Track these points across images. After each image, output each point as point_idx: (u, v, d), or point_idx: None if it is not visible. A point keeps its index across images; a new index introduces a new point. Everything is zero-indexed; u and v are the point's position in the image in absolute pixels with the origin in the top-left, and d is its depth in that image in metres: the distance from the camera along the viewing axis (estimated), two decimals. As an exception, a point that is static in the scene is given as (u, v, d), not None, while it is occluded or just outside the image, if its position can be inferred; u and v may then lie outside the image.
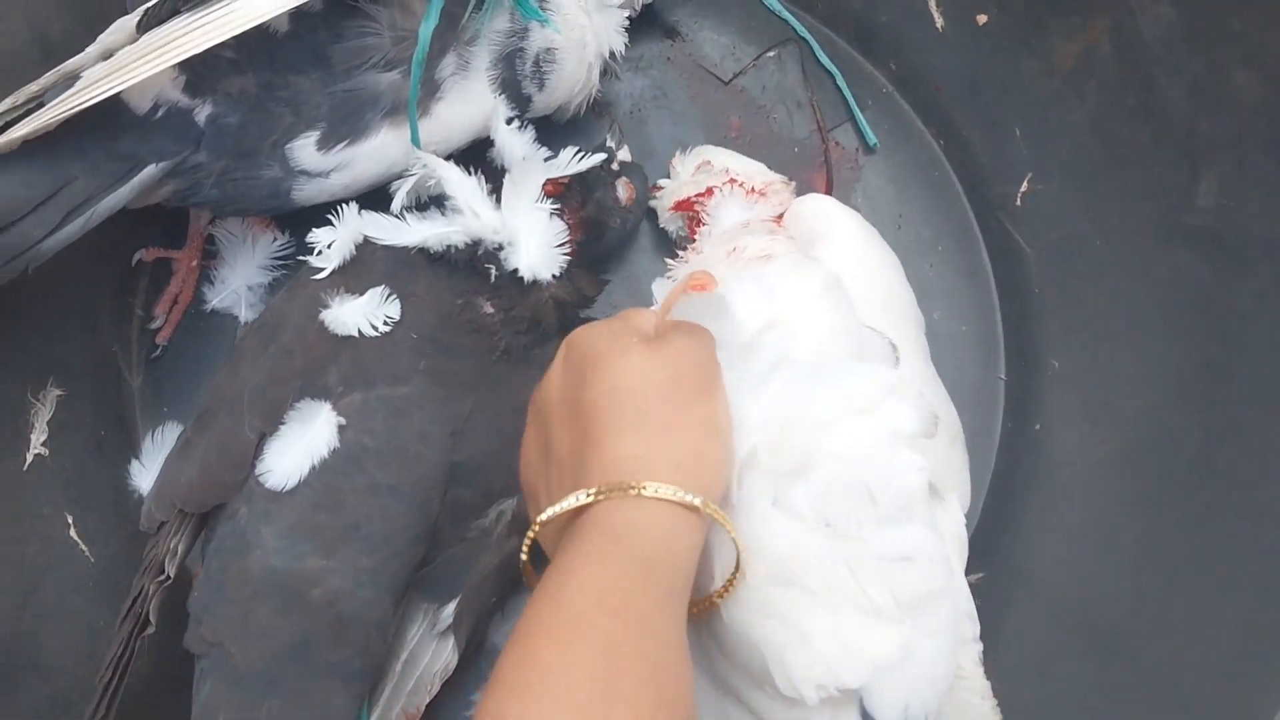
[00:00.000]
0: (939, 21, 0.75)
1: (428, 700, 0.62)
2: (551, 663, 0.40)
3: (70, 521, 0.66)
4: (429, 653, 0.62)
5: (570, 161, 0.67)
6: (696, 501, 0.46)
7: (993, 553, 0.70)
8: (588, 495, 0.46)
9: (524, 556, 0.49)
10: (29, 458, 0.65)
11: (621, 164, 0.73)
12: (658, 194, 0.74)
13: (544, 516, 0.47)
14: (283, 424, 0.59)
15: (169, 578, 0.58)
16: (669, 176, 0.74)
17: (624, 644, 0.41)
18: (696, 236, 0.70)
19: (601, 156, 0.69)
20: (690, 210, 0.71)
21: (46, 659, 0.61)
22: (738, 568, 0.49)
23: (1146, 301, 0.66)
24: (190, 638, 0.57)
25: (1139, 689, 0.59)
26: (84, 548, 0.66)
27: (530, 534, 0.49)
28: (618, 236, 0.72)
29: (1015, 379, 0.75)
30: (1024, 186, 0.73)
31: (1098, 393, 0.69)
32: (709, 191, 0.70)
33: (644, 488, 0.45)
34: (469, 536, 0.62)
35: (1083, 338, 0.71)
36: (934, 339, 0.74)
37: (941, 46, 0.76)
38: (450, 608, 0.61)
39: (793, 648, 0.51)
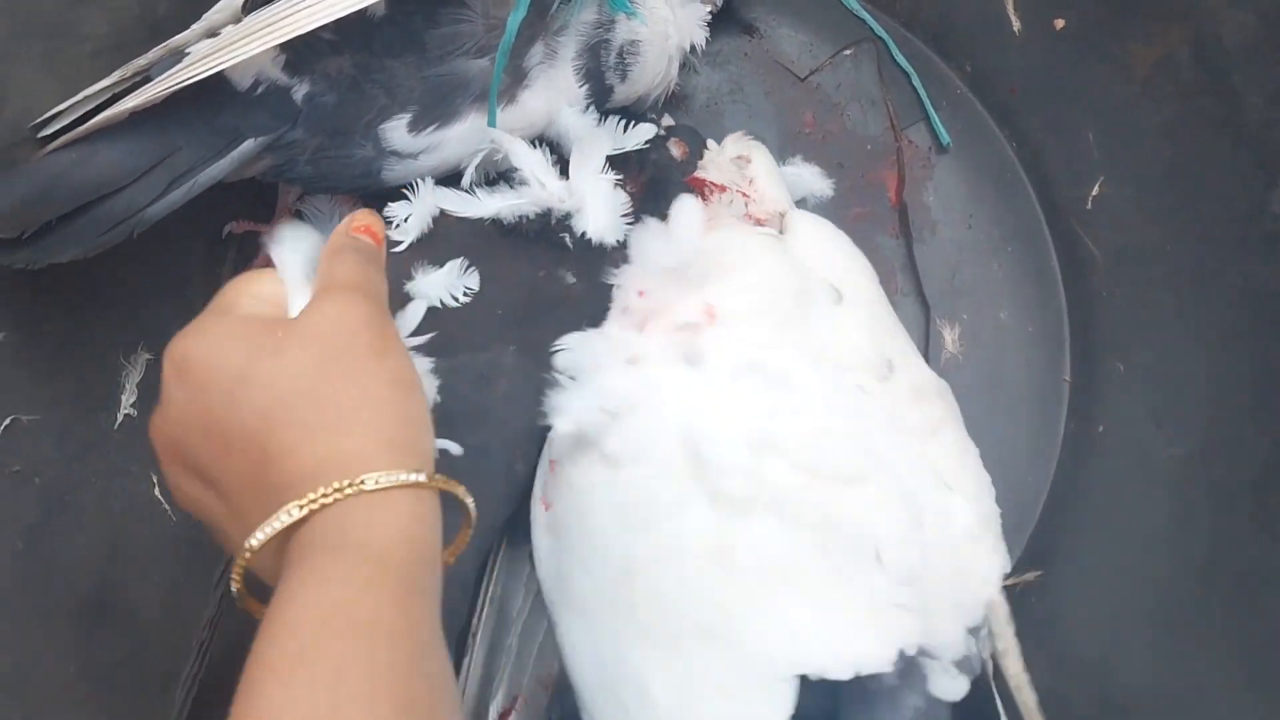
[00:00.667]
0: (1016, 24, 0.76)
1: (558, 666, 0.63)
2: (275, 699, 0.36)
3: (155, 481, 0.68)
4: (546, 619, 0.63)
5: (632, 134, 0.69)
6: (423, 478, 0.42)
7: (1054, 552, 0.71)
8: (300, 509, 0.41)
9: (235, 588, 0.44)
10: (119, 417, 0.67)
11: (669, 127, 0.75)
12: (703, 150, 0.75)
13: (253, 542, 0.41)
14: None
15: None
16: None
17: (353, 663, 0.37)
18: None
19: (652, 128, 0.70)
20: (700, 189, 0.72)
21: (131, 609, 0.63)
22: (469, 524, 0.47)
23: (1216, 308, 0.66)
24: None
25: (1199, 691, 0.60)
26: (166, 506, 0.68)
27: (238, 567, 0.43)
28: (680, 192, 0.72)
29: (1080, 381, 0.76)
30: (1095, 190, 0.74)
31: (1164, 397, 0.70)
32: (722, 187, 0.71)
33: (363, 482, 0.41)
34: None
35: (1150, 342, 0.71)
36: (1000, 338, 0.76)
37: (1017, 49, 0.77)
38: None
39: (775, 633, 0.53)
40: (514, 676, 0.63)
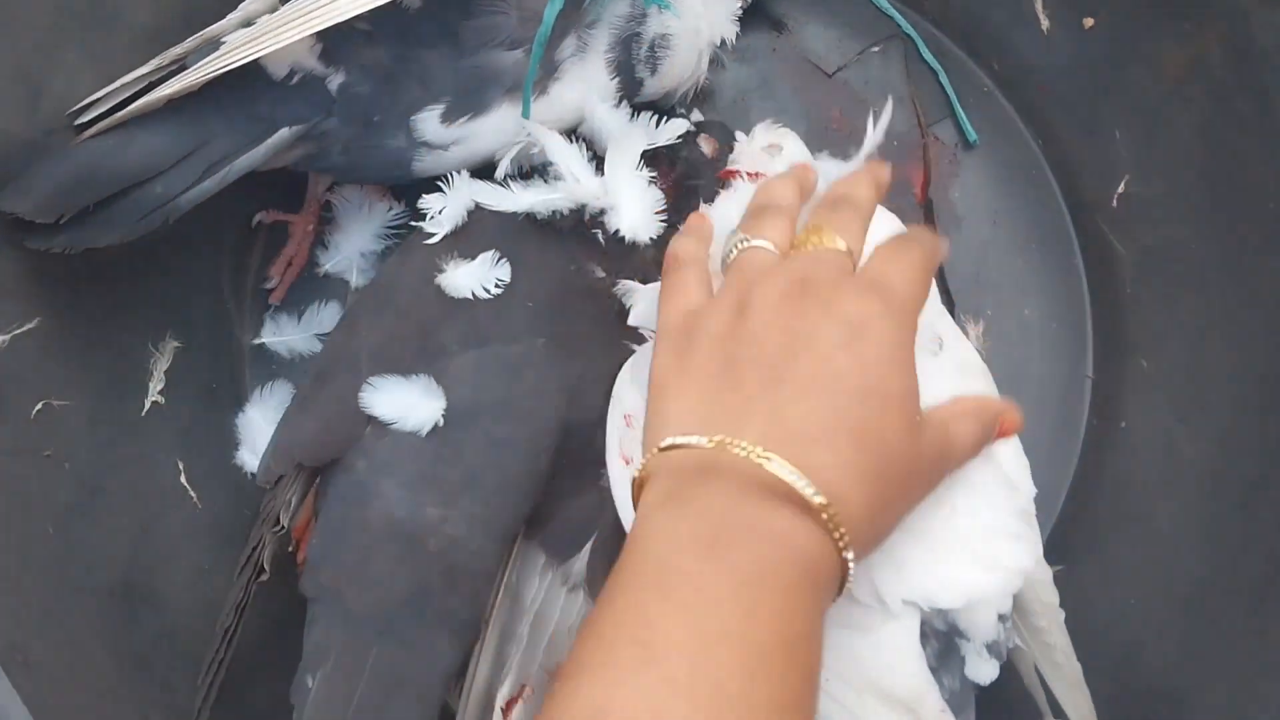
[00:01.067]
0: (1045, 23, 0.76)
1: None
2: (735, 691, 0.37)
3: (181, 468, 0.68)
4: (558, 610, 0.64)
5: (665, 129, 0.69)
6: (849, 557, 0.43)
7: (1077, 546, 0.71)
8: (814, 495, 0.41)
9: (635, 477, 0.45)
10: (147, 404, 0.67)
11: (698, 123, 0.75)
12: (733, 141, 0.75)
13: (684, 440, 0.43)
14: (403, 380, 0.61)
15: (284, 528, 0.61)
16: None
17: (797, 702, 0.39)
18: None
19: (685, 124, 0.71)
20: (731, 180, 0.72)
21: (160, 594, 0.64)
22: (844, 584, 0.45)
23: (1244, 307, 0.66)
24: (306, 582, 0.59)
25: (1223, 686, 0.60)
26: (193, 493, 0.68)
27: (649, 456, 0.44)
28: (713, 187, 0.73)
29: (1103, 377, 0.76)
30: (1121, 188, 0.74)
31: (1189, 394, 0.70)
32: (755, 175, 0.70)
33: (840, 531, 0.42)
34: (588, 493, 0.63)
35: (1175, 339, 0.71)
36: (1024, 335, 0.77)
37: (1046, 48, 0.76)
38: (580, 563, 0.63)
39: (882, 570, 0.52)
40: (523, 665, 0.63)
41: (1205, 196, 0.69)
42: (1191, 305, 0.70)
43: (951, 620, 0.55)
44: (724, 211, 0.67)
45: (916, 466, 0.46)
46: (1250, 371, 0.66)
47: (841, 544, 0.42)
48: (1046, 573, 0.60)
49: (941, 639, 0.55)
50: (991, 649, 0.56)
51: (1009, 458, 0.59)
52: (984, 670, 0.55)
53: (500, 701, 0.62)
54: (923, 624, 0.54)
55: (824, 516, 0.41)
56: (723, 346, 0.46)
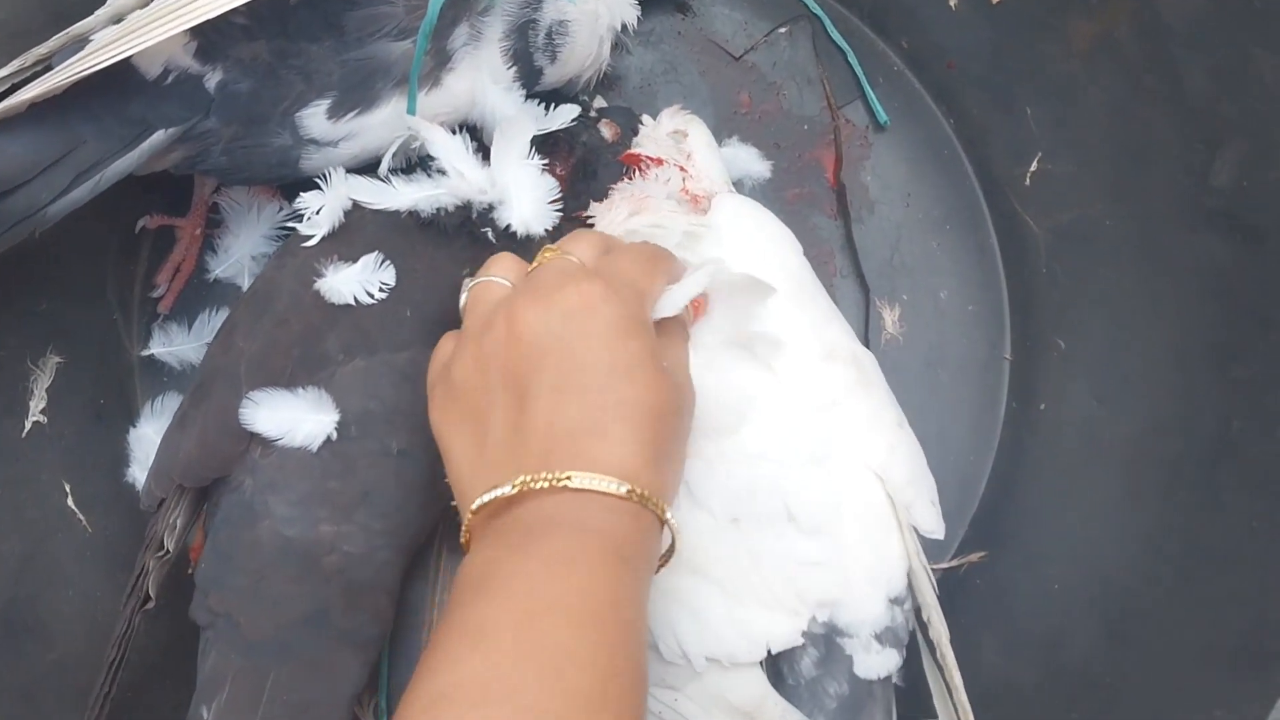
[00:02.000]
0: (953, 0, 0.75)
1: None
2: (562, 643, 0.40)
3: (68, 490, 0.65)
4: None
5: (555, 115, 0.67)
6: (669, 517, 0.46)
7: (998, 532, 0.71)
8: (514, 488, 0.45)
9: (463, 541, 0.48)
10: (28, 425, 0.64)
11: (600, 109, 0.73)
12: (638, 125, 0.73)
13: (489, 497, 0.46)
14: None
15: (169, 553, 0.58)
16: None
17: (624, 652, 0.42)
18: (614, 190, 0.69)
19: (576, 108, 0.68)
20: (635, 164, 0.70)
21: (46, 625, 0.61)
22: (672, 550, 0.49)
23: (1159, 283, 0.66)
24: (196, 609, 0.57)
25: (1148, 670, 0.59)
26: (81, 517, 0.65)
27: (465, 527, 0.48)
28: (612, 173, 0.71)
29: (1021, 359, 0.75)
30: (1033, 166, 0.73)
31: (1106, 374, 0.69)
32: (659, 161, 0.69)
33: (652, 502, 0.45)
34: None
35: (1091, 318, 0.71)
36: (940, 317, 0.76)
37: (955, 25, 0.75)
38: None
39: (686, 624, 0.53)
40: None
41: (1117, 173, 0.68)
42: (1107, 283, 0.70)
43: (828, 620, 0.54)
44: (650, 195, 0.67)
45: (677, 403, 0.49)
46: (1167, 350, 0.65)
47: (659, 512, 0.45)
48: (923, 570, 0.59)
49: (821, 643, 0.54)
50: (884, 637, 0.55)
51: (862, 436, 0.59)
52: (877, 662, 0.54)
53: None
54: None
55: (634, 498, 0.44)
56: (475, 381, 0.49)
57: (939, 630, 0.57)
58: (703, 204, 0.67)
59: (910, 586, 0.58)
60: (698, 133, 0.71)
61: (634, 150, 0.70)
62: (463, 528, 0.48)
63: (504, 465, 0.46)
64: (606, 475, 0.44)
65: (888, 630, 0.55)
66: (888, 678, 0.56)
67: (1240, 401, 0.60)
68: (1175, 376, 0.65)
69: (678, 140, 0.70)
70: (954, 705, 0.57)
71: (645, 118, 0.73)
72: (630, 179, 0.70)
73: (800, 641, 0.53)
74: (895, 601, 0.56)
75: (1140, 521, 0.64)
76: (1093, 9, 0.67)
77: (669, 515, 0.46)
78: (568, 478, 0.44)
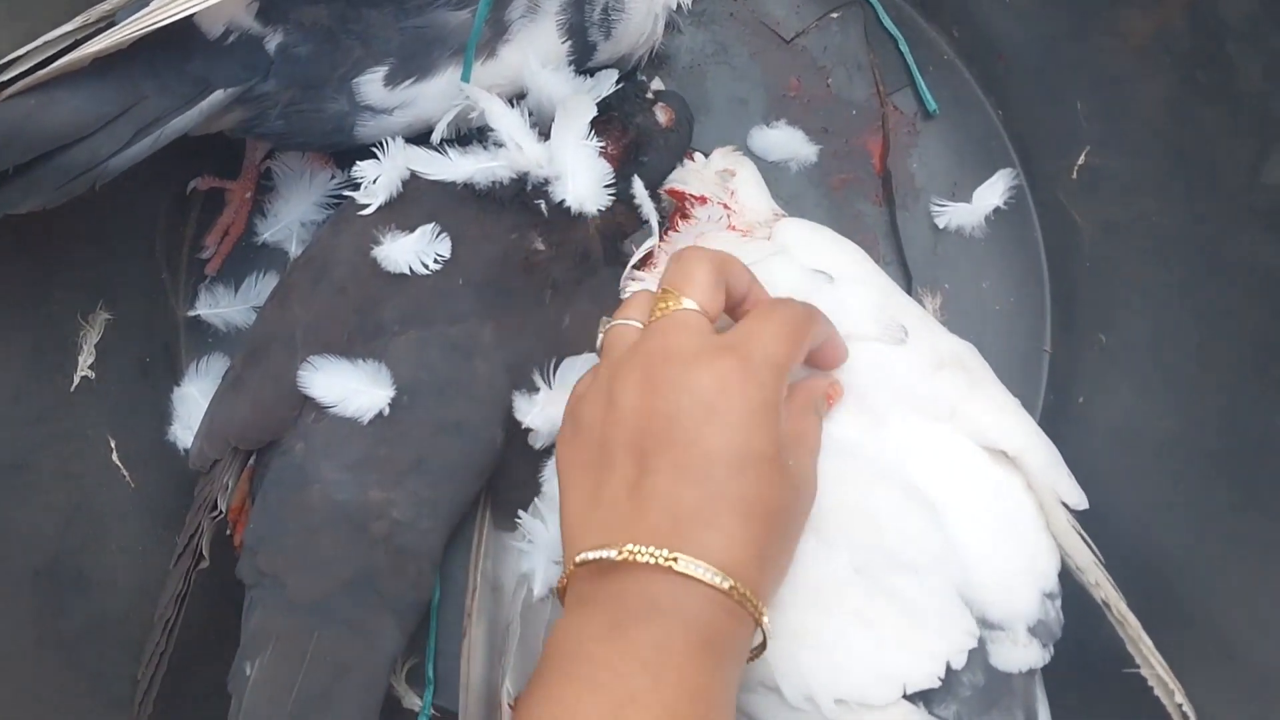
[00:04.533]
0: (1006, -9, 0.75)
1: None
2: None
3: (113, 445, 0.66)
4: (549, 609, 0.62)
5: (599, 83, 0.67)
6: (764, 619, 0.46)
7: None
8: (721, 580, 0.44)
9: (558, 589, 0.49)
10: (76, 379, 0.64)
11: (657, 92, 0.73)
12: (688, 160, 0.73)
13: (594, 556, 0.45)
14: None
15: (221, 513, 0.58)
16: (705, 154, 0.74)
17: None
18: (667, 240, 0.69)
19: (616, 72, 0.69)
20: (679, 200, 0.70)
21: (89, 578, 0.61)
22: (763, 647, 0.48)
23: (1204, 280, 0.66)
24: (244, 568, 0.57)
25: (1183, 668, 0.59)
26: (125, 473, 0.66)
27: (562, 577, 0.48)
28: (663, 158, 0.71)
29: (1061, 352, 0.75)
30: (1081, 160, 0.73)
31: (1147, 370, 0.69)
32: (703, 199, 0.69)
33: (751, 602, 0.45)
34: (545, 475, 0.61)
35: (1134, 314, 0.70)
36: (981, 308, 0.76)
37: (1007, 16, 0.75)
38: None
39: (813, 664, 0.51)
40: (525, 656, 0.62)
41: (1166, 169, 0.68)
42: (1151, 279, 0.69)
43: (979, 614, 0.53)
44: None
45: (794, 505, 0.48)
46: (1210, 347, 0.65)
47: (756, 614, 0.45)
48: (1082, 541, 0.58)
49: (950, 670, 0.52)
50: (1037, 630, 0.54)
51: (995, 427, 0.58)
52: (1023, 657, 0.53)
53: (508, 699, 0.61)
54: None
55: (735, 595, 0.44)
56: (601, 433, 0.48)
57: (1110, 593, 0.57)
58: (751, 235, 0.67)
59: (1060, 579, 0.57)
60: (746, 172, 0.71)
61: (678, 186, 0.70)
62: (562, 574, 0.48)
63: (614, 528, 0.46)
64: (711, 565, 0.44)
65: (1040, 624, 0.54)
66: (1030, 672, 0.54)
67: (1281, 400, 0.60)
68: (1217, 374, 0.64)
69: (725, 179, 0.70)
70: (1150, 661, 0.57)
71: (697, 155, 0.73)
72: (669, 237, 0.69)
73: (937, 684, 0.51)
74: (1049, 596, 0.55)
75: (1177, 518, 0.64)
76: (1148, 3, 0.67)
77: (765, 617, 0.45)
78: (674, 559, 0.44)
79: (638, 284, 0.66)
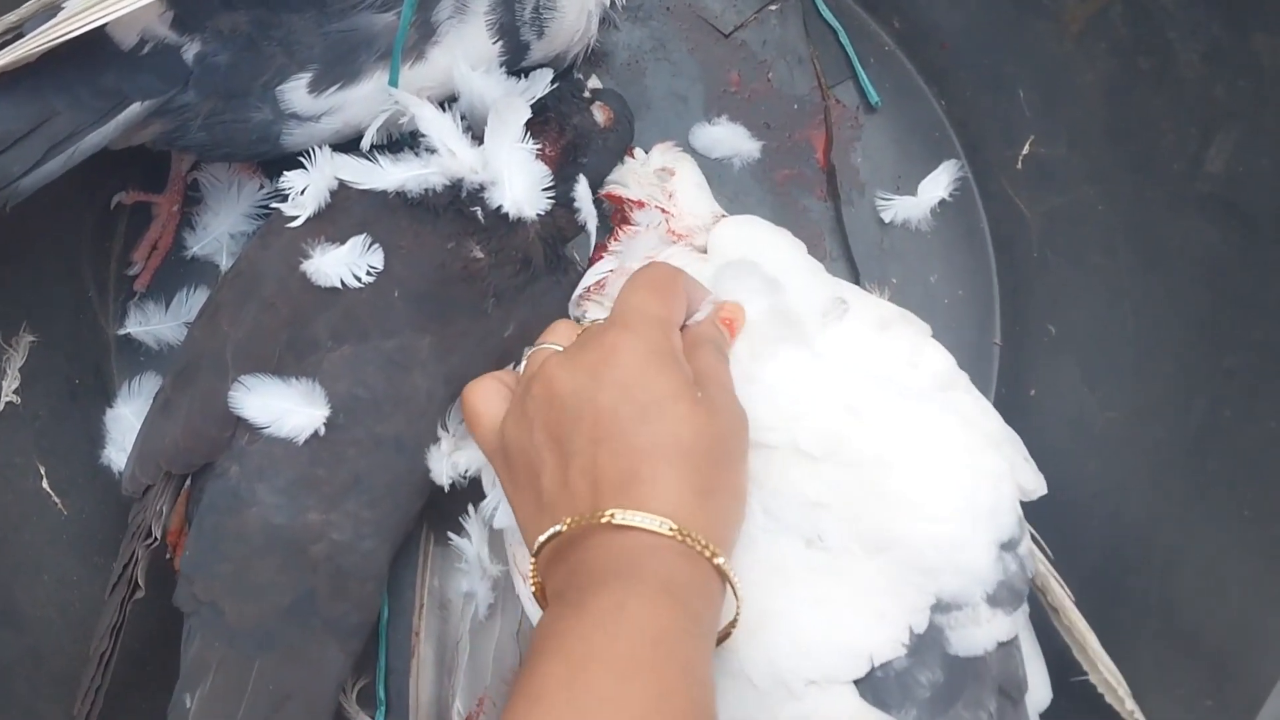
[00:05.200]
0: (945, -22, 0.74)
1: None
2: (608, 694, 0.41)
3: (43, 472, 0.64)
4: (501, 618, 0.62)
5: (533, 83, 0.66)
6: (732, 576, 0.47)
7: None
8: (661, 525, 0.45)
9: (531, 586, 0.50)
10: (1, 405, 0.63)
11: (594, 90, 0.72)
12: (627, 158, 0.72)
13: (543, 538, 0.47)
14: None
15: (156, 540, 0.57)
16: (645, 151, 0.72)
17: (674, 691, 0.42)
18: (609, 250, 0.68)
19: (551, 72, 0.67)
20: (617, 204, 0.69)
21: (21, 611, 0.60)
22: (735, 620, 0.49)
23: (1151, 269, 0.65)
24: (180, 596, 0.56)
25: (1133, 661, 0.59)
26: (56, 500, 0.64)
27: (534, 567, 0.49)
28: (603, 159, 0.70)
29: (1011, 344, 0.75)
30: (1025, 149, 0.73)
31: (1097, 360, 0.69)
32: (640, 203, 0.68)
33: (699, 542, 0.45)
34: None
35: (1083, 304, 0.70)
36: (930, 302, 0.75)
37: (947, 5, 0.75)
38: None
39: (780, 647, 0.51)
40: (474, 675, 0.61)
41: (1110, 157, 0.68)
42: (1098, 269, 0.69)
43: (933, 592, 0.51)
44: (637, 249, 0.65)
45: (718, 436, 0.48)
46: (1159, 336, 0.65)
47: (707, 552, 0.45)
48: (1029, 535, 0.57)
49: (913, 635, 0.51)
50: (997, 597, 0.52)
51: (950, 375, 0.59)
52: (982, 635, 0.51)
53: (458, 717, 0.61)
54: None
55: (678, 536, 0.45)
56: (524, 442, 0.50)
57: (1059, 598, 0.57)
58: (691, 240, 0.66)
59: (1021, 525, 0.55)
60: (686, 171, 0.69)
61: (616, 190, 0.69)
62: (530, 579, 0.49)
63: (557, 517, 0.47)
64: (646, 513, 0.45)
65: (1001, 586, 0.52)
66: (1004, 645, 0.52)
67: (1231, 389, 0.60)
68: (1166, 363, 0.64)
69: (664, 178, 0.69)
70: (1098, 667, 0.56)
71: (637, 152, 0.71)
72: (609, 243, 0.68)
73: (902, 651, 0.50)
74: (1006, 547, 0.53)
75: (1129, 509, 0.64)
76: (1085, -12, 0.67)
77: (718, 558, 0.46)
78: (611, 515, 0.45)
79: (595, 305, 0.64)
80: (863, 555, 0.51)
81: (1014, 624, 0.53)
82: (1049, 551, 0.60)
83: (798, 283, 0.59)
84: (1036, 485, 0.58)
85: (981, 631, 0.52)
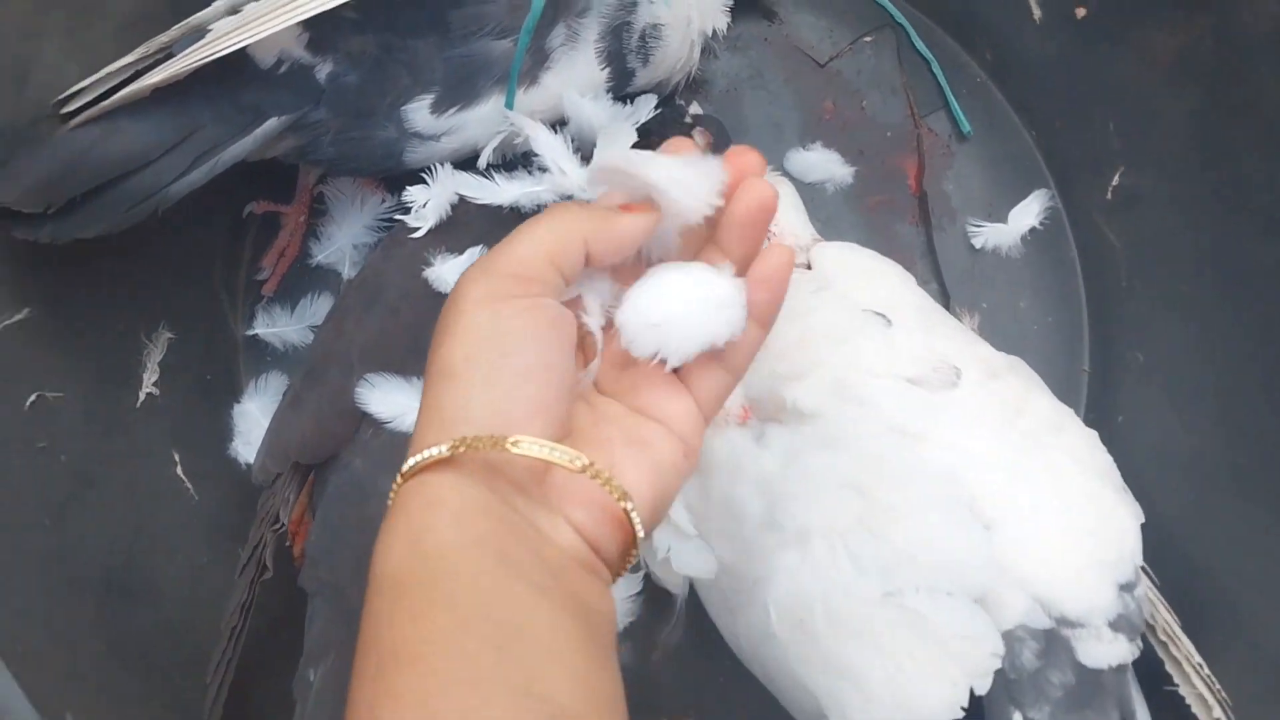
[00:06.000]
0: (1037, 13, 0.76)
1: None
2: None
3: (177, 460, 0.68)
4: None
5: (638, 108, 0.69)
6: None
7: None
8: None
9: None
10: (141, 396, 0.67)
11: (695, 116, 0.75)
12: None
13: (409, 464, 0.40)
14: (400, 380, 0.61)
15: (283, 526, 0.61)
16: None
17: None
18: None
19: (655, 98, 0.70)
20: None
21: (156, 587, 0.63)
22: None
23: (1240, 297, 0.66)
24: (306, 578, 0.59)
25: (1230, 677, 0.59)
26: (189, 485, 0.68)
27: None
28: None
29: (1098, 371, 0.76)
30: (1115, 180, 0.74)
31: (1186, 388, 0.69)
32: None
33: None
34: None
35: (1171, 332, 0.71)
36: (1019, 328, 0.77)
37: (1038, 38, 0.76)
38: None
39: (849, 695, 0.53)
40: None
41: (1199, 187, 0.69)
42: (1188, 297, 0.70)
43: (1057, 613, 0.54)
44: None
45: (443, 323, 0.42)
46: (1247, 363, 0.65)
47: (616, 495, 0.40)
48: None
49: (1041, 636, 0.53)
50: (1118, 625, 0.54)
51: (1055, 432, 0.60)
52: (1107, 651, 0.53)
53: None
54: (1015, 629, 0.53)
55: (589, 475, 0.40)
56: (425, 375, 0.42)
57: (1161, 614, 0.58)
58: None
59: (1138, 571, 0.57)
60: (784, 193, 0.72)
61: None
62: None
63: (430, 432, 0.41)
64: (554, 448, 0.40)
65: (1121, 618, 0.54)
66: (1120, 667, 0.54)
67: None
68: (1252, 390, 0.65)
69: None
70: (1190, 680, 0.58)
71: None
72: None
73: (959, 714, 0.52)
74: (1125, 588, 0.55)
75: (1215, 534, 0.65)
76: (1177, 23, 0.68)
77: (629, 506, 0.41)
78: (516, 442, 0.39)
79: None
80: (937, 609, 0.53)
81: (1131, 652, 0.55)
82: (1154, 577, 0.60)
83: (909, 321, 0.61)
84: (1137, 515, 0.59)
85: (1104, 649, 0.54)
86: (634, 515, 0.41)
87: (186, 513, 0.67)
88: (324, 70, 0.63)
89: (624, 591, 0.63)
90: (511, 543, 0.38)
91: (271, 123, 0.63)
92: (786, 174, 0.78)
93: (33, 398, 0.59)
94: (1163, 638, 0.59)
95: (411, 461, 0.40)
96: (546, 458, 0.39)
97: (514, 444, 0.39)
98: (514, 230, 0.43)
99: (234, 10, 0.63)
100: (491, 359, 0.40)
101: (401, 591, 0.37)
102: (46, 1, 0.60)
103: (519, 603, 0.37)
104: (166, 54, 0.63)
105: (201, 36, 0.60)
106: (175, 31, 0.63)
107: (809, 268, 0.67)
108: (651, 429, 0.43)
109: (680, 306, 0.41)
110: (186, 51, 0.58)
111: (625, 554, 0.42)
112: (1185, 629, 0.61)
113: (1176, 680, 0.58)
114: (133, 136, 0.59)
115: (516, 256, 0.42)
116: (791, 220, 0.71)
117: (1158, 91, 0.70)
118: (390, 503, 0.40)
